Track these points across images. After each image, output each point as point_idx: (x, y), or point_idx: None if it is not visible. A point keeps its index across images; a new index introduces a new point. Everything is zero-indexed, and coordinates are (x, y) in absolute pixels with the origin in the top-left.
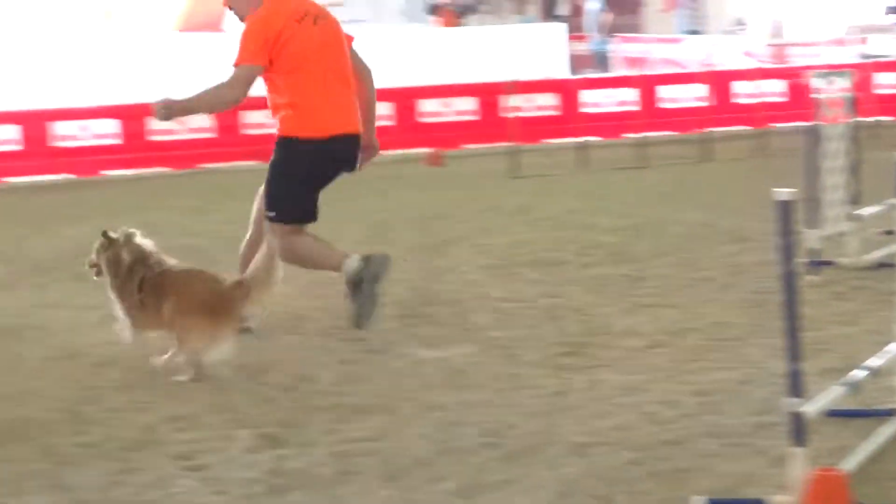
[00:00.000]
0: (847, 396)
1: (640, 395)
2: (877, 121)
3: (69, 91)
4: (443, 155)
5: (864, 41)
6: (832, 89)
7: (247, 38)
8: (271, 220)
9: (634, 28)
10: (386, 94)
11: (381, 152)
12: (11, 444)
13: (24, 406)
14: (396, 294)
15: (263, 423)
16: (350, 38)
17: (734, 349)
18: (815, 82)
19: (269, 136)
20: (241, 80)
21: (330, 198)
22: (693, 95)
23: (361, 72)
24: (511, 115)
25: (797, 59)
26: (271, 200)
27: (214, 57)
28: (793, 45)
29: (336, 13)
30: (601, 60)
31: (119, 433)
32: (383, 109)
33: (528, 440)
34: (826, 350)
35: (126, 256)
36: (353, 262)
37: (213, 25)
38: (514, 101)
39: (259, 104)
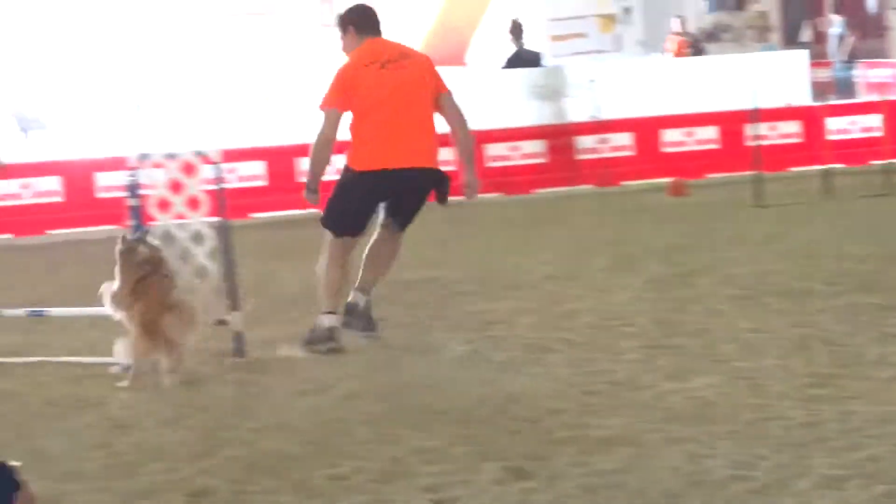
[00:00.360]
0: None
1: (894, 427)
2: None
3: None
4: (686, 184)
5: None
6: None
7: (330, 85)
8: (322, 223)
9: (880, 53)
10: (628, 125)
11: (623, 182)
12: (263, 477)
13: (275, 440)
14: (641, 325)
15: (509, 456)
16: (443, 90)
17: None
18: None
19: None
20: (326, 122)
21: (573, 226)
22: None
23: (452, 118)
24: (754, 143)
25: None
26: (325, 209)
27: (457, 90)
28: None
29: (578, 45)
30: (845, 86)
31: (368, 466)
32: (624, 140)
33: (778, 473)
34: None
35: (141, 253)
36: (326, 320)
37: (456, 59)
38: (758, 129)
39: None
